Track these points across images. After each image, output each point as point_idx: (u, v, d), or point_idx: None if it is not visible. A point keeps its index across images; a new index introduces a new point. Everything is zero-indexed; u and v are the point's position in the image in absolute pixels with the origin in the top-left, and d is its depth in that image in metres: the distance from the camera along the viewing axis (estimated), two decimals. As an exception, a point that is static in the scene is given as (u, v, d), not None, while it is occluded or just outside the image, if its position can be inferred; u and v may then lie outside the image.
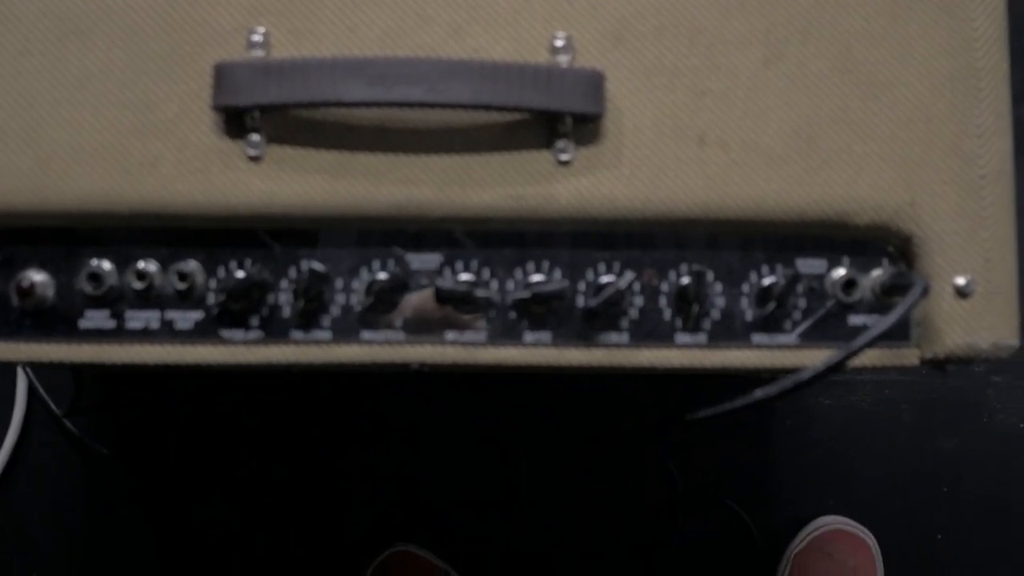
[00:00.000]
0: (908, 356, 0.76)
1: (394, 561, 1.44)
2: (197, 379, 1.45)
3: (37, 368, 1.43)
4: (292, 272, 0.74)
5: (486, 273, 0.74)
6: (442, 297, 0.73)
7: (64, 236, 0.73)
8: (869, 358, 0.74)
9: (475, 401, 1.48)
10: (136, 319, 0.74)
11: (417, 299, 0.74)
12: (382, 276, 0.73)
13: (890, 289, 0.74)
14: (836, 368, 0.69)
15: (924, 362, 0.76)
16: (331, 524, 1.48)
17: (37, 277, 0.73)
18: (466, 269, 0.74)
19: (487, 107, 0.69)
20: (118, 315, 0.74)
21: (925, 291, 0.71)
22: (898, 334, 0.75)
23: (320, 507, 1.48)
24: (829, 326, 0.76)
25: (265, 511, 1.48)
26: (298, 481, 1.48)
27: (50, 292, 0.73)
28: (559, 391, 1.47)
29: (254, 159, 0.71)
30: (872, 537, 1.46)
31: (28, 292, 0.72)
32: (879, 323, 0.70)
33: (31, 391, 1.45)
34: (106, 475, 1.48)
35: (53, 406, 1.45)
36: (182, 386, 1.47)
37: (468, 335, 0.74)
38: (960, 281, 0.74)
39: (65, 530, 1.47)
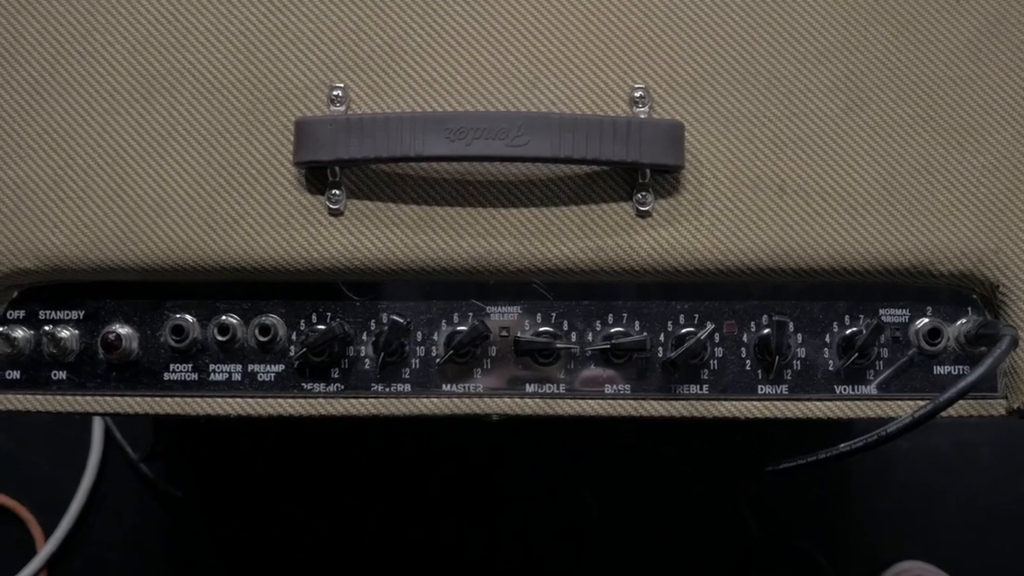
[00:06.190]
0: (994, 407, 0.74)
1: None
2: (275, 424, 1.46)
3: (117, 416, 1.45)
4: (372, 325, 0.74)
5: (565, 325, 0.74)
6: (521, 349, 0.73)
7: (148, 290, 0.75)
8: (954, 409, 0.73)
9: (547, 444, 1.47)
10: (219, 372, 0.74)
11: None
12: (461, 328, 0.73)
13: (976, 339, 0.73)
14: (924, 422, 0.68)
15: (1011, 413, 0.74)
16: (403, 567, 1.47)
17: (122, 330, 0.74)
18: (545, 321, 0.74)
19: (567, 161, 0.69)
20: (201, 368, 0.75)
21: (1014, 343, 0.69)
22: (984, 385, 0.73)
23: (392, 551, 1.48)
24: (913, 376, 0.75)
25: (339, 554, 1.48)
26: (369, 525, 1.48)
27: (135, 345, 0.74)
28: (631, 435, 1.46)
29: (335, 213, 0.72)
30: (953, 583, 1.42)
31: (114, 345, 0.73)
32: (967, 376, 0.69)
33: (107, 435, 1.47)
34: (181, 518, 1.49)
35: (129, 450, 1.46)
36: (259, 430, 1.48)
37: (547, 387, 0.74)
38: (1049, 330, 0.72)
39: (140, 573, 1.49)
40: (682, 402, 0.74)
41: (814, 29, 0.74)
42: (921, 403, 0.70)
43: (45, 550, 1.44)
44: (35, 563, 1.43)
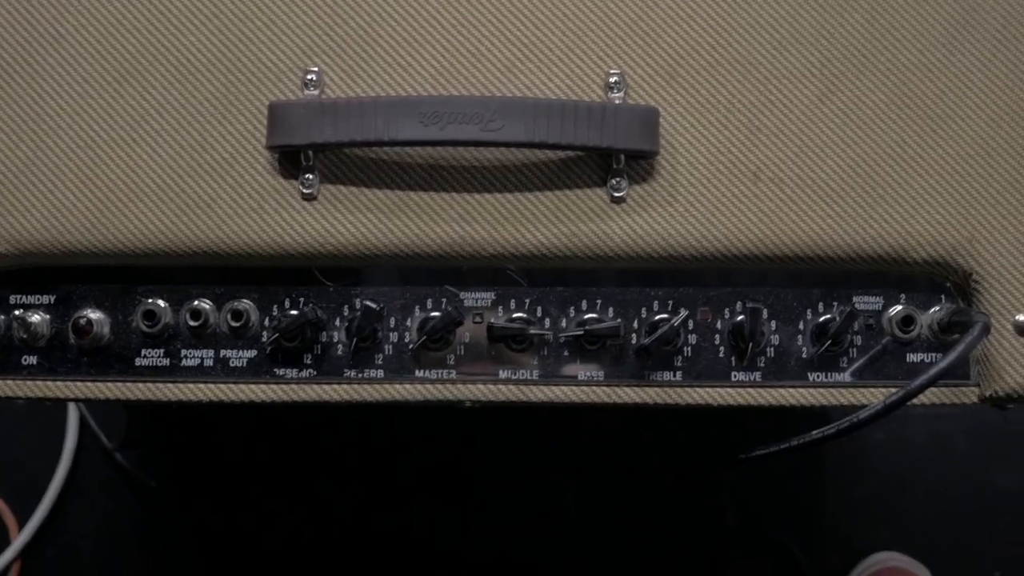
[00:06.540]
0: (967, 395, 0.74)
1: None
2: (248, 412, 1.45)
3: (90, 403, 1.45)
4: (345, 310, 0.74)
5: (539, 311, 0.74)
6: (495, 335, 0.73)
7: (120, 275, 0.74)
8: (927, 396, 0.73)
9: (520, 431, 1.47)
10: (191, 357, 0.74)
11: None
12: (435, 314, 0.73)
13: (949, 326, 0.73)
14: (895, 408, 0.68)
15: (983, 400, 0.74)
16: (381, 558, 1.47)
17: (94, 315, 0.73)
18: (519, 307, 0.74)
19: (541, 146, 0.69)
20: (173, 353, 0.74)
21: (986, 330, 0.70)
22: (957, 372, 0.74)
23: (365, 538, 1.48)
24: (886, 364, 0.75)
25: (312, 541, 1.47)
26: (342, 512, 1.48)
27: (106, 330, 0.74)
28: (608, 425, 1.46)
29: (308, 198, 0.72)
30: (929, 573, 1.43)
31: (85, 330, 0.73)
32: (938, 363, 0.69)
33: (82, 424, 1.46)
34: (155, 507, 1.48)
35: (104, 439, 1.46)
36: (232, 418, 1.48)
37: (520, 373, 0.74)
38: (1021, 318, 0.72)
39: (114, 561, 1.48)
40: (655, 389, 0.74)
41: (788, 15, 0.74)
42: (894, 390, 0.70)
43: (19, 540, 1.43)
44: (9, 553, 1.43)
